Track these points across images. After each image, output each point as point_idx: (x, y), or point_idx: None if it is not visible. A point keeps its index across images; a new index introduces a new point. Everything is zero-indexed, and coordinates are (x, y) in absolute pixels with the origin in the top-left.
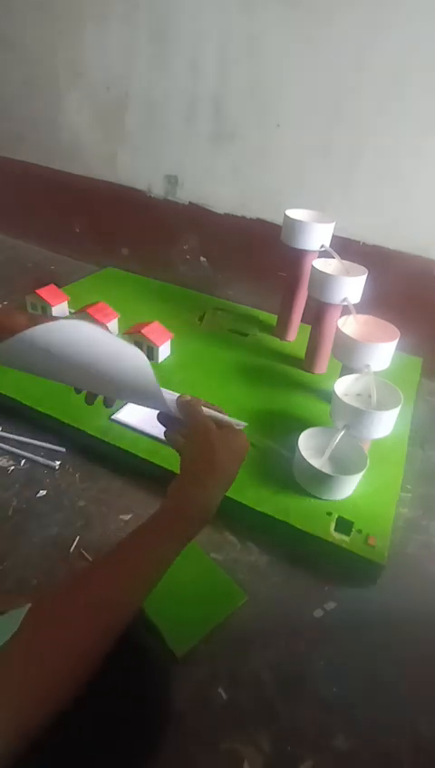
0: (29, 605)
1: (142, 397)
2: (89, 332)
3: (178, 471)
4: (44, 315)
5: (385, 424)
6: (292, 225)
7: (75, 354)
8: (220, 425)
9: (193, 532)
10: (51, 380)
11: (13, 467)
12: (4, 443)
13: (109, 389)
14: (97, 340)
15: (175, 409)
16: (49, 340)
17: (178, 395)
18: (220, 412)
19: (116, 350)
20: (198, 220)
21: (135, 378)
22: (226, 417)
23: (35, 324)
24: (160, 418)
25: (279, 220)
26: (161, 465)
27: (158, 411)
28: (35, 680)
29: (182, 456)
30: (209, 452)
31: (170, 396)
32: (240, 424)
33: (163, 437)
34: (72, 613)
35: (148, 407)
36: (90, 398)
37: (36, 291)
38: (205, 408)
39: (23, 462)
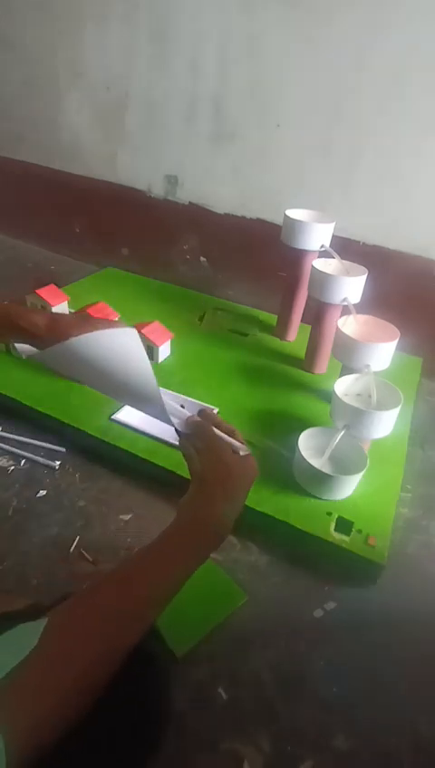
0: (47, 619)
1: (151, 412)
2: (128, 345)
3: (177, 471)
4: (54, 313)
5: (385, 424)
6: (292, 225)
7: (108, 365)
8: (233, 449)
9: (205, 555)
10: (76, 382)
11: (13, 467)
12: (4, 443)
13: (120, 397)
14: (130, 355)
15: (182, 424)
16: (95, 349)
17: (187, 412)
18: (233, 433)
19: (138, 367)
20: (198, 220)
21: (144, 395)
22: (235, 443)
23: (53, 323)
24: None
25: (279, 220)
26: (161, 465)
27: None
28: (50, 693)
29: (193, 471)
30: (226, 476)
31: (176, 407)
32: (244, 450)
33: (163, 438)
34: (86, 629)
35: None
36: None
37: (36, 291)
38: (215, 430)
39: (23, 462)
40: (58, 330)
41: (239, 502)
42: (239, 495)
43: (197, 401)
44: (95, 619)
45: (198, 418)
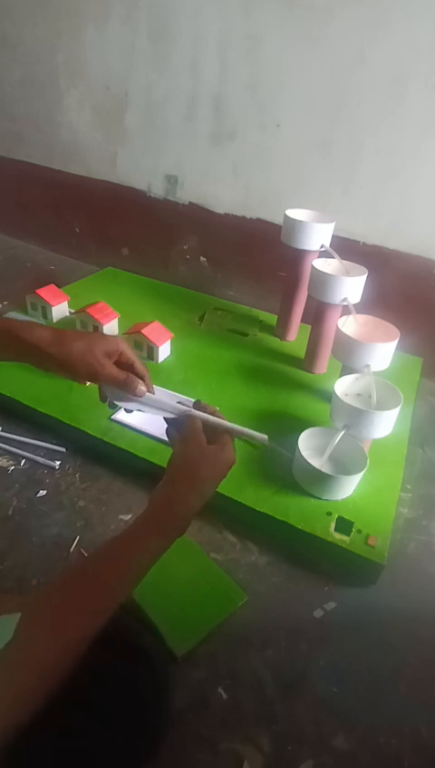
0: (20, 614)
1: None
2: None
3: None
4: (55, 328)
5: (385, 424)
6: (292, 225)
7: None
8: (216, 438)
9: (171, 539)
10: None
11: (13, 467)
12: (4, 443)
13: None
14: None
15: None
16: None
17: (185, 407)
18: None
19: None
20: (198, 220)
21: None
22: (248, 431)
23: (58, 336)
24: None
25: (279, 220)
26: (161, 465)
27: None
28: (18, 681)
29: (170, 458)
30: (192, 463)
31: (172, 404)
32: (261, 437)
33: (163, 438)
34: (59, 620)
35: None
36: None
37: (36, 291)
38: (210, 416)
39: (23, 462)
40: (64, 343)
41: (205, 489)
42: (205, 483)
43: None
44: (68, 610)
45: (187, 408)
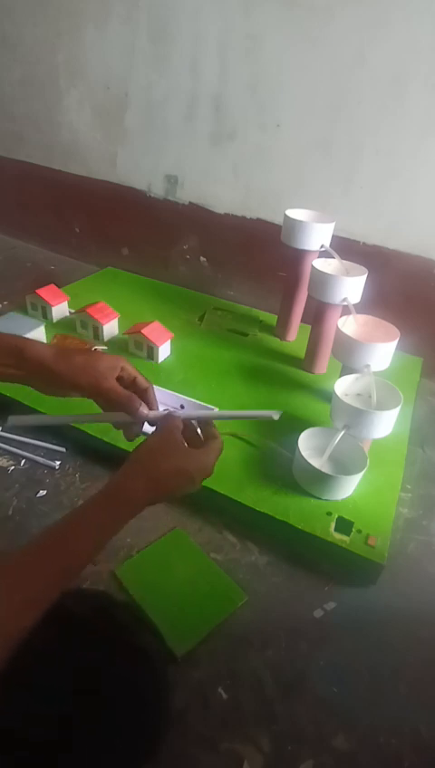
0: None
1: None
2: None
3: None
4: (56, 345)
5: (385, 424)
6: (292, 225)
7: None
8: (203, 443)
9: (118, 525)
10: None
11: (13, 467)
12: (4, 443)
13: None
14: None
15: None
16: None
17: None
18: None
19: None
20: (198, 220)
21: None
22: (236, 413)
23: (60, 353)
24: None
25: (279, 220)
26: None
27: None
28: None
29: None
30: (156, 454)
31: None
32: (273, 414)
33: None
34: (7, 597)
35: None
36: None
37: (36, 291)
38: (197, 412)
39: (23, 462)
40: (66, 357)
41: (164, 483)
42: (167, 477)
43: (197, 401)
44: (16, 589)
45: (174, 410)
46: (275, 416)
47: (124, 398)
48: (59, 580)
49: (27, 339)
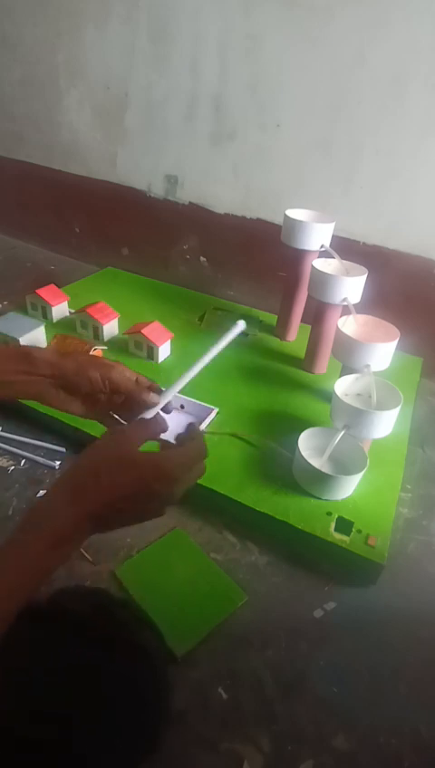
0: None
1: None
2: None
3: None
4: (55, 352)
5: (385, 424)
6: (292, 225)
7: None
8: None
9: (38, 560)
10: None
11: (13, 467)
12: (4, 443)
13: None
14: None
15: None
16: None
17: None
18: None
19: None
20: (198, 220)
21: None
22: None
23: (60, 361)
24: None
25: (279, 220)
26: None
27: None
28: None
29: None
30: (86, 472)
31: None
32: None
33: (162, 437)
34: None
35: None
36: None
37: (36, 291)
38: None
39: (23, 462)
40: (70, 356)
41: (96, 503)
42: (98, 495)
43: (197, 401)
44: None
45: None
46: (241, 325)
47: (132, 384)
48: None
49: (29, 346)
